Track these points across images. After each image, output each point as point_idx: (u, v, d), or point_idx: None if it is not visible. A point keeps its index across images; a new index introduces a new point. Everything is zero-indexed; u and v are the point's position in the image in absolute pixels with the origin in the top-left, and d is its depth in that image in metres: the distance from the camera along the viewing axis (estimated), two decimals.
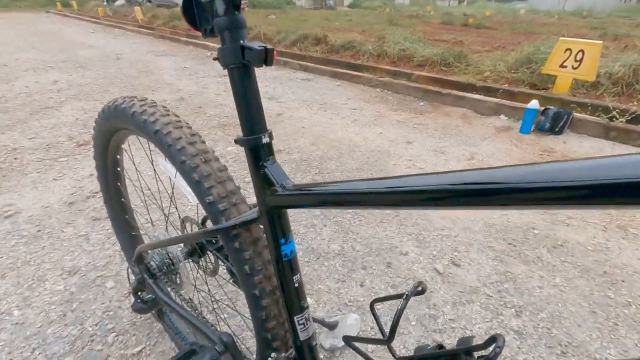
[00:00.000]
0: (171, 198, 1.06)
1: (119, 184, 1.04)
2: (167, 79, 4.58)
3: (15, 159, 2.35)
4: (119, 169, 1.01)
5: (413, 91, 3.98)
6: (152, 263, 0.85)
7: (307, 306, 0.58)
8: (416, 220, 1.81)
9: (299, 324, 0.57)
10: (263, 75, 4.84)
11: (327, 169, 2.30)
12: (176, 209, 1.23)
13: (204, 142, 0.66)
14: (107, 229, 1.68)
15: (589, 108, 3.15)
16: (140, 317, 1.23)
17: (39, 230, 1.67)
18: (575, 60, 3.35)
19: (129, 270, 1.12)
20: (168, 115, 0.68)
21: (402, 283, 1.40)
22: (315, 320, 1.12)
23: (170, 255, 0.82)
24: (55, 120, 3.04)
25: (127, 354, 1.11)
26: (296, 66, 5.35)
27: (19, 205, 1.85)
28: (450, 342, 1.16)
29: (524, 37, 7.42)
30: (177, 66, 5.36)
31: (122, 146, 0.94)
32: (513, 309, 1.29)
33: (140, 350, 1.12)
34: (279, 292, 0.61)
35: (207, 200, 0.59)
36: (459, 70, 4.51)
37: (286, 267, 0.54)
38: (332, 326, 1.16)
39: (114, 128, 0.81)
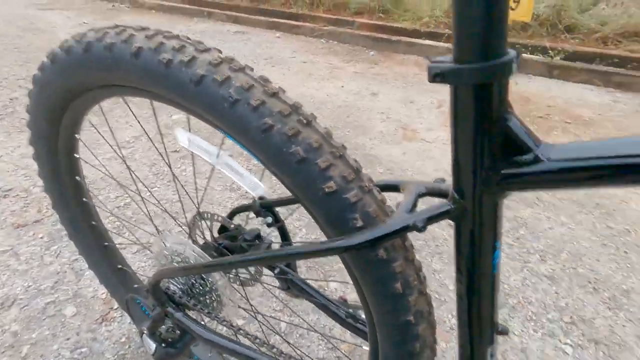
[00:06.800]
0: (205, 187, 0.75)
1: (77, 177, 0.70)
2: (63, 37, 3.68)
3: None
4: (76, 154, 0.67)
5: (360, 40, 3.76)
6: (174, 287, 0.57)
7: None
8: None
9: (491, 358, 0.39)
10: (186, 32, 4.16)
11: None
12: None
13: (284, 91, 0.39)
14: (42, 238, 1.26)
15: (529, 48, 3.28)
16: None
17: None
18: (514, 1, 3.42)
19: (128, 300, 0.74)
20: (209, 51, 0.39)
21: None
22: None
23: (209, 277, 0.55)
24: None
25: None
26: (223, 17, 4.71)
27: None
28: None
29: None
30: (72, 22, 4.35)
31: (86, 117, 0.60)
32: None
33: None
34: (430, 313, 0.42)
35: (326, 190, 0.35)
36: (398, 17, 4.36)
37: (491, 281, 0.34)
38: None
39: (81, 86, 0.48)
